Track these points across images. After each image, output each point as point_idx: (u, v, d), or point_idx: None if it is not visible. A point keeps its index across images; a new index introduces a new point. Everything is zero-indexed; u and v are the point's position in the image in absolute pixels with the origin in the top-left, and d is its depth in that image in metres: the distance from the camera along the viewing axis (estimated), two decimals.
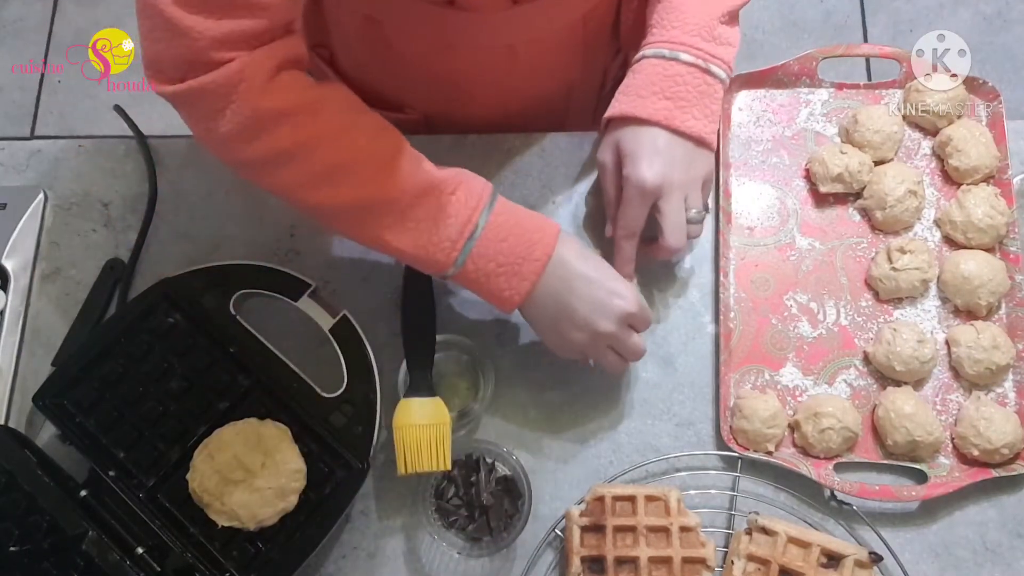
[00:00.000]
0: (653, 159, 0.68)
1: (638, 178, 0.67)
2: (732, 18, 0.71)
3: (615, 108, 0.70)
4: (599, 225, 0.79)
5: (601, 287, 0.65)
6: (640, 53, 0.71)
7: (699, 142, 0.69)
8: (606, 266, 0.67)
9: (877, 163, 0.79)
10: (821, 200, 0.79)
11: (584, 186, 0.81)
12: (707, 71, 0.69)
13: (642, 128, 0.68)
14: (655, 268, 0.78)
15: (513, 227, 0.64)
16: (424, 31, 0.72)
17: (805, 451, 0.71)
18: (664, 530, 0.67)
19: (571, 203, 0.80)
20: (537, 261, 0.64)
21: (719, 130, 0.75)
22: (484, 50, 0.74)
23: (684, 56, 0.68)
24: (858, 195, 0.78)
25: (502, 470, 0.69)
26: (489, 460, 0.69)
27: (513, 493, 0.68)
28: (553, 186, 0.81)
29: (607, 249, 0.77)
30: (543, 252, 0.64)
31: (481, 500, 0.67)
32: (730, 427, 0.72)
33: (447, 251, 0.63)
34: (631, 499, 0.68)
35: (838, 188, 0.77)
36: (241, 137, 0.59)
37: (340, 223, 0.65)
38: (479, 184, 0.65)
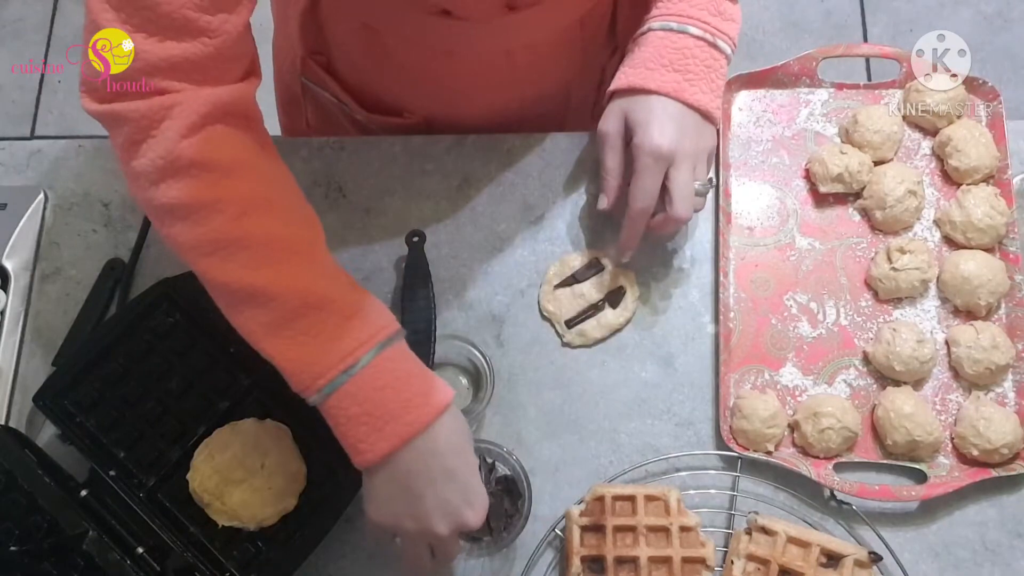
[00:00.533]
0: (665, 126, 0.67)
1: (652, 144, 0.67)
2: None
3: (621, 80, 0.70)
4: (599, 225, 0.79)
5: (459, 490, 0.58)
6: (646, 26, 0.70)
7: (706, 116, 0.69)
8: (474, 466, 0.60)
9: (877, 163, 0.79)
10: (821, 200, 0.79)
11: (584, 186, 0.81)
12: (714, 45, 0.69)
13: (651, 97, 0.68)
14: (655, 268, 0.78)
15: (397, 379, 0.57)
16: (421, 39, 0.72)
17: (805, 451, 0.71)
18: (664, 530, 0.67)
19: (571, 203, 0.80)
20: (408, 426, 0.56)
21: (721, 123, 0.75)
22: (482, 56, 0.74)
23: (693, 29, 0.68)
24: (858, 195, 0.78)
25: (502, 470, 0.69)
26: (489, 460, 0.69)
27: (513, 493, 0.68)
28: (553, 186, 0.81)
29: (607, 236, 0.77)
30: (417, 419, 0.57)
31: None
32: (730, 427, 0.72)
33: (316, 376, 0.56)
34: (631, 499, 0.68)
35: (838, 188, 0.77)
36: (149, 177, 0.55)
37: (220, 300, 0.58)
38: (383, 320, 0.58)
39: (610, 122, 0.70)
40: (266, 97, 1.01)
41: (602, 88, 0.88)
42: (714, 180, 0.75)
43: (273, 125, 1.00)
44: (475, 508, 0.59)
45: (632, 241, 0.71)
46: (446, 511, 0.58)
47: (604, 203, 0.71)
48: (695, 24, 0.69)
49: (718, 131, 0.75)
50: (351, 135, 0.86)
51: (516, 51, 0.74)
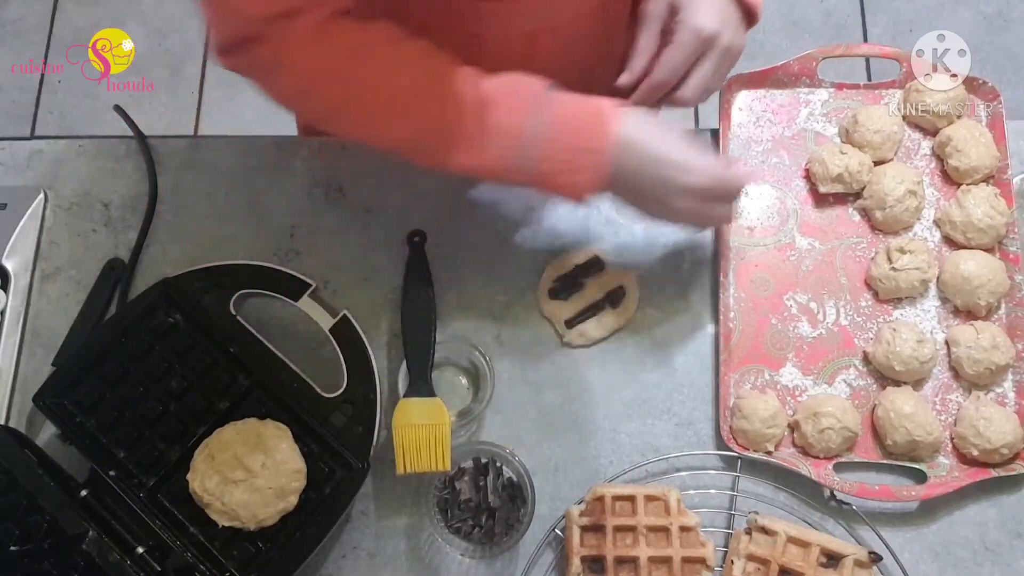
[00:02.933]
0: (712, 9, 0.67)
1: (697, 23, 0.66)
2: None
3: None
4: (599, 225, 0.79)
5: (669, 165, 0.64)
6: None
7: (749, 13, 0.69)
8: (678, 140, 0.66)
9: (877, 163, 0.79)
10: (821, 200, 0.79)
11: None
12: None
13: None
14: (655, 268, 0.78)
15: (567, 123, 0.64)
16: (448, 21, 0.72)
17: (805, 451, 0.71)
18: (664, 530, 0.67)
19: (570, 203, 0.80)
20: (596, 152, 0.63)
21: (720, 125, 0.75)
22: (507, 39, 0.74)
23: None
24: (858, 195, 0.78)
25: (507, 473, 0.69)
26: (498, 464, 0.69)
27: (517, 498, 0.68)
28: None
29: (607, 236, 0.77)
30: (600, 143, 0.63)
31: (488, 503, 0.67)
32: (730, 427, 0.72)
33: (509, 162, 0.64)
34: (631, 499, 0.68)
35: (838, 188, 0.77)
36: (298, 98, 0.65)
37: (413, 157, 0.67)
38: (531, 88, 0.64)
39: (656, 3, 0.69)
40: None
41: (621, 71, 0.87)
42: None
43: (289, 124, 1.01)
44: (691, 171, 0.64)
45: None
46: (670, 188, 0.65)
47: (627, 79, 0.70)
48: None
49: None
50: None
51: (540, 34, 0.74)
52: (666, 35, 0.68)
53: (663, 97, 0.70)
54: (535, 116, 0.63)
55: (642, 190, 0.66)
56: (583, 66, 0.82)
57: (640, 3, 0.70)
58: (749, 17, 0.69)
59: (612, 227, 0.79)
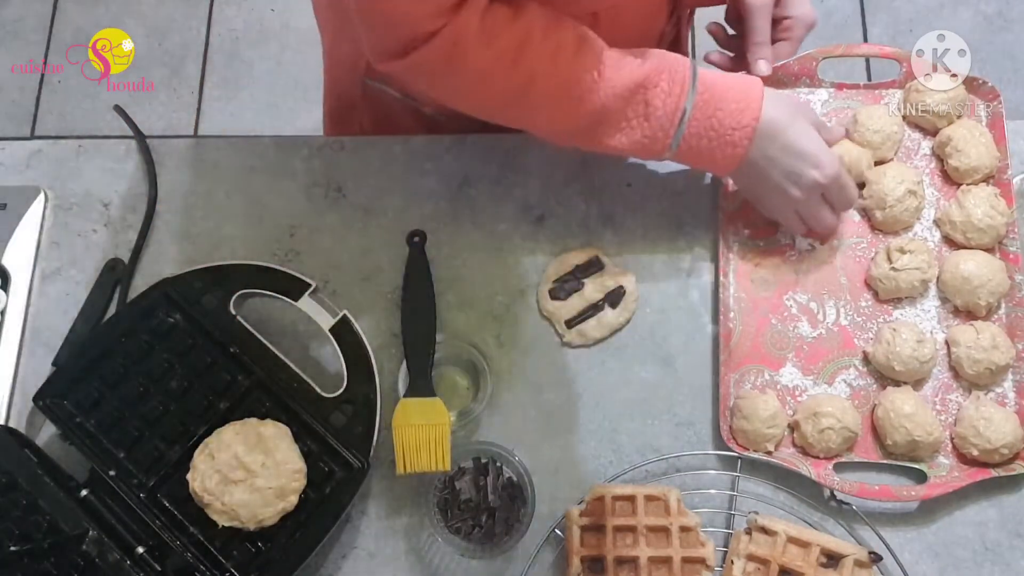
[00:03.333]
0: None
1: (810, 18, 0.76)
2: None
3: None
4: (599, 225, 0.79)
5: (800, 155, 0.69)
6: None
7: None
8: (812, 130, 0.70)
9: (877, 163, 0.79)
10: None
11: (584, 185, 0.81)
12: None
13: None
14: (655, 268, 0.78)
15: (719, 101, 0.67)
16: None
17: (805, 451, 0.71)
18: (664, 530, 0.67)
19: (571, 203, 0.80)
20: (746, 127, 0.68)
21: None
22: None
23: None
24: (859, 187, 0.78)
25: (507, 473, 0.69)
26: (498, 464, 0.69)
27: (517, 498, 0.68)
28: (553, 186, 0.81)
29: (607, 236, 0.77)
30: (751, 118, 0.67)
31: (488, 503, 0.67)
32: (730, 427, 0.72)
33: (661, 140, 0.68)
34: (631, 499, 0.68)
35: None
36: (468, 91, 0.67)
37: (572, 141, 0.71)
38: (680, 68, 0.67)
39: None
40: (314, 110, 1.02)
41: None
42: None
43: (289, 124, 1.00)
44: (818, 166, 0.69)
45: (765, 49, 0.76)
46: (793, 176, 0.70)
47: (766, 68, 0.75)
48: None
49: None
50: (414, 133, 0.86)
51: (602, 12, 0.73)
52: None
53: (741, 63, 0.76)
54: (689, 96, 0.67)
55: (769, 175, 0.70)
56: (633, 44, 0.82)
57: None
58: None
59: (612, 227, 0.79)
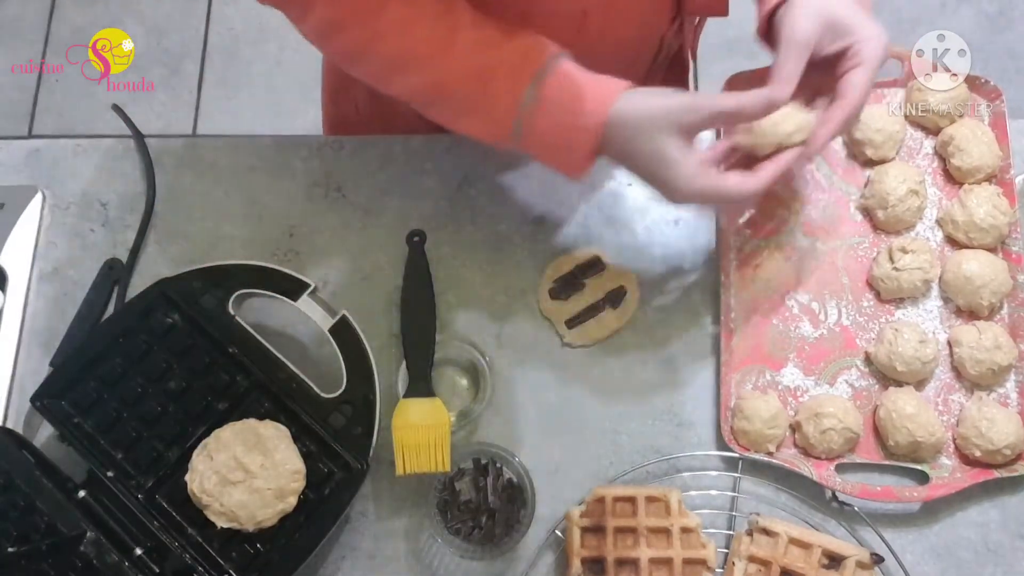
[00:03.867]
0: (873, 21, 0.63)
1: (886, 39, 0.62)
2: None
3: None
4: (599, 225, 0.79)
5: (659, 168, 0.61)
6: None
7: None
8: (673, 136, 0.60)
9: (878, 162, 0.78)
10: (822, 199, 0.79)
11: (584, 187, 0.80)
12: None
13: None
14: (656, 268, 0.77)
15: (562, 97, 0.62)
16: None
17: (806, 452, 0.71)
18: (665, 531, 0.67)
19: (571, 203, 0.80)
20: (585, 131, 0.61)
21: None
22: (556, 17, 0.72)
23: None
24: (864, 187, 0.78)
25: (507, 473, 0.69)
26: (498, 465, 0.69)
27: (517, 499, 0.68)
28: (553, 186, 0.80)
29: (606, 237, 0.77)
30: (592, 121, 0.61)
31: (488, 504, 0.67)
32: (731, 428, 0.71)
33: (502, 129, 0.63)
34: (631, 500, 0.68)
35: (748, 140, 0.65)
36: (321, 37, 0.66)
37: (426, 111, 0.68)
38: (532, 55, 0.63)
39: (807, 22, 0.62)
40: (313, 110, 1.01)
41: (657, 59, 0.86)
42: None
43: (289, 124, 1.00)
44: (679, 190, 0.60)
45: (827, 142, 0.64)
46: (662, 191, 0.62)
47: (772, 101, 0.61)
48: None
49: None
50: (405, 115, 0.85)
51: (590, 12, 0.72)
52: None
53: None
54: (532, 87, 0.61)
55: (639, 175, 0.63)
56: (628, 46, 0.81)
57: (775, 23, 0.64)
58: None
59: (612, 227, 0.79)
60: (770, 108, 0.61)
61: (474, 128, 0.65)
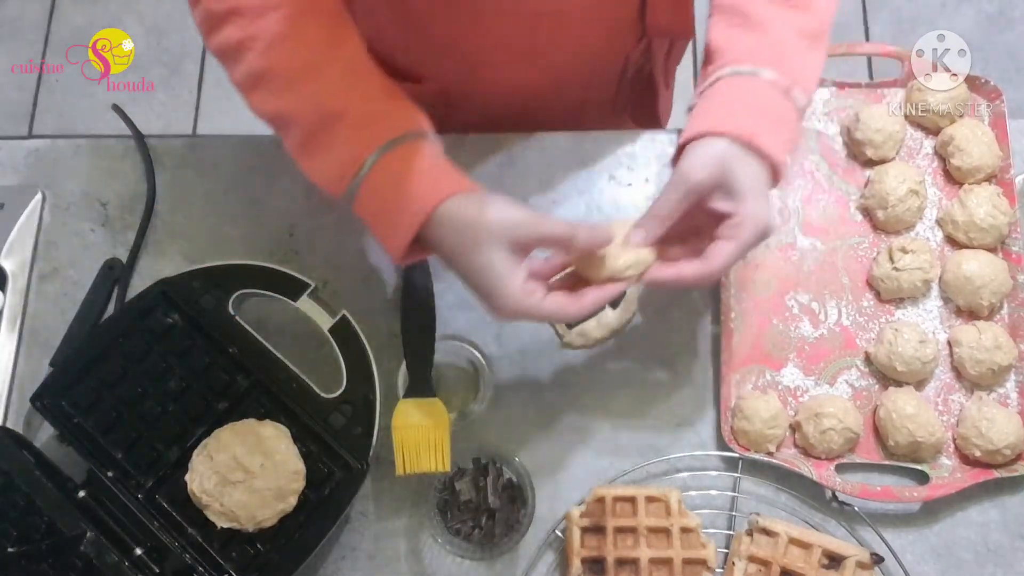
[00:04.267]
0: (765, 200, 0.58)
1: (757, 215, 0.57)
2: (816, 41, 0.63)
3: (693, 128, 0.60)
4: None
5: (479, 287, 0.58)
6: (714, 76, 0.62)
7: (773, 169, 0.60)
8: (491, 257, 0.56)
9: (879, 162, 0.79)
10: (822, 200, 0.78)
11: (583, 186, 0.80)
12: (787, 93, 0.61)
13: (751, 159, 0.58)
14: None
15: (403, 175, 0.58)
16: None
17: (806, 452, 0.71)
18: (665, 531, 0.67)
19: (571, 203, 0.80)
20: (413, 216, 0.57)
21: None
22: (507, 18, 0.73)
23: (766, 74, 0.60)
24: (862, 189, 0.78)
25: (507, 473, 0.69)
26: (497, 465, 0.69)
27: (517, 499, 0.68)
28: (553, 186, 0.80)
29: None
30: (420, 209, 0.57)
31: (488, 504, 0.67)
32: (731, 428, 0.71)
33: (337, 182, 0.60)
34: (631, 500, 0.68)
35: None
36: (203, 29, 0.64)
37: (278, 132, 0.63)
38: (394, 124, 0.60)
39: (702, 171, 0.58)
40: None
41: (624, 79, 0.86)
42: None
43: None
44: (495, 309, 0.57)
45: (658, 229, 0.60)
46: (482, 300, 0.58)
47: (640, 239, 0.60)
48: (768, 68, 0.61)
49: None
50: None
51: (542, 17, 0.72)
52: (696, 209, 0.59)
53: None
54: (376, 152, 0.58)
55: (463, 280, 0.59)
56: (583, 61, 0.82)
57: (680, 161, 0.60)
58: (773, 172, 0.60)
59: None
60: (601, 245, 0.59)
61: (313, 171, 0.61)
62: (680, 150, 0.61)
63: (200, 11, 0.63)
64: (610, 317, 0.75)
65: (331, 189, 0.61)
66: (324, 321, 0.69)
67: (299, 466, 0.67)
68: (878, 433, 0.72)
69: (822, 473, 0.70)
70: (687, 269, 0.60)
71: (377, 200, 0.59)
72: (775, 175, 0.60)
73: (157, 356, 0.70)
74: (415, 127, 0.61)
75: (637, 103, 0.91)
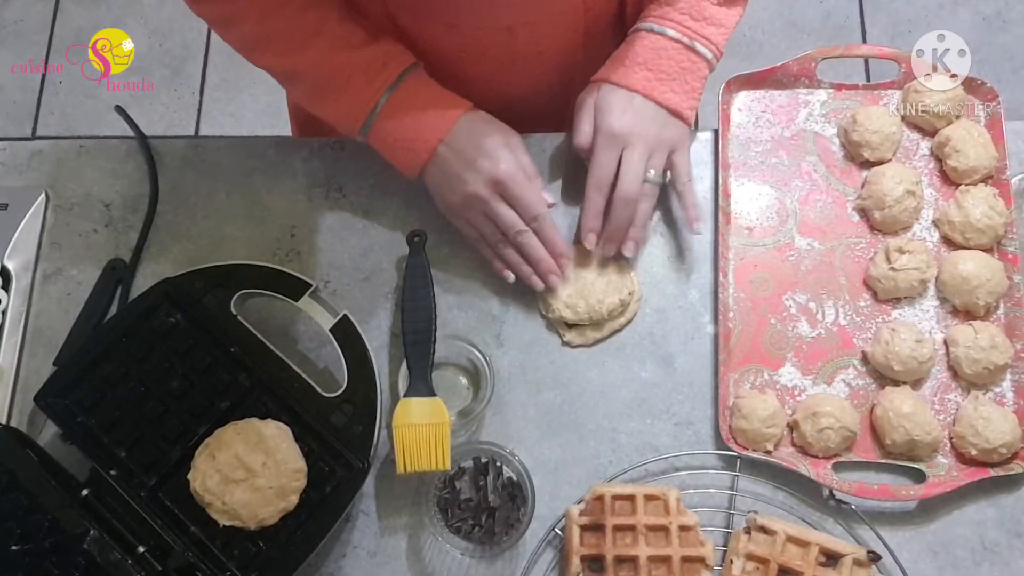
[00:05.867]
0: (624, 112, 0.72)
1: (607, 125, 0.72)
2: (728, 0, 0.74)
3: (600, 73, 0.75)
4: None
5: (480, 151, 0.70)
6: (635, 26, 0.75)
7: (674, 113, 0.73)
8: (490, 143, 0.71)
9: (876, 163, 0.79)
10: (819, 200, 0.79)
11: (582, 186, 0.81)
12: (691, 48, 0.73)
13: (619, 90, 0.73)
14: (654, 268, 0.78)
15: (415, 107, 0.71)
16: (426, 8, 0.73)
17: (804, 450, 0.72)
18: (663, 529, 0.67)
19: (570, 203, 0.80)
20: (427, 142, 0.71)
21: (707, 114, 0.77)
22: (484, 31, 0.74)
23: (670, 31, 0.73)
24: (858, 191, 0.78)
25: (507, 473, 0.69)
26: (497, 463, 0.69)
27: (517, 499, 0.68)
28: (553, 186, 0.81)
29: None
30: (434, 135, 0.70)
31: (488, 503, 0.67)
32: (729, 426, 0.72)
33: (353, 122, 0.72)
34: (630, 498, 0.68)
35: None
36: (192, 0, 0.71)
37: (285, 87, 0.78)
38: (394, 63, 0.71)
39: (583, 110, 0.75)
40: (277, 100, 1.02)
41: None
42: (668, 178, 0.76)
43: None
44: (495, 159, 0.70)
45: (593, 220, 0.73)
46: (471, 169, 0.70)
47: (590, 243, 0.74)
48: (673, 27, 0.73)
49: (695, 131, 0.80)
50: None
51: (517, 28, 0.74)
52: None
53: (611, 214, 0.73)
54: (385, 92, 0.70)
55: (450, 174, 0.71)
56: (563, 69, 0.83)
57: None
58: (675, 115, 0.73)
59: None
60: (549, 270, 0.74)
61: (327, 114, 0.73)
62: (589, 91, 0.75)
63: None
64: (610, 317, 0.76)
65: (344, 129, 0.73)
66: (325, 321, 0.70)
67: (301, 465, 0.67)
68: (875, 432, 0.72)
69: (819, 472, 0.70)
70: (591, 198, 0.73)
71: (393, 131, 0.71)
72: (680, 116, 0.73)
73: (160, 355, 0.70)
74: (408, 61, 0.72)
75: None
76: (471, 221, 0.73)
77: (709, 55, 0.74)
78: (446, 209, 0.74)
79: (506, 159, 0.71)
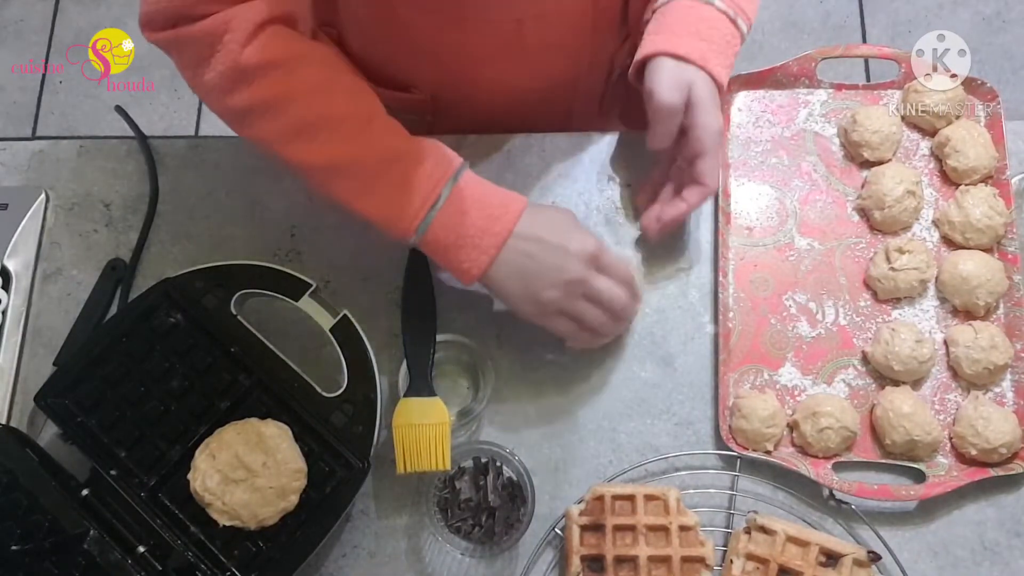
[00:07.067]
0: (718, 111, 0.69)
1: (719, 127, 0.69)
2: None
3: (650, 46, 0.70)
4: (599, 226, 0.79)
5: (558, 239, 0.66)
6: None
7: (720, 90, 0.70)
8: (564, 225, 0.67)
9: (876, 163, 0.79)
10: (819, 200, 0.79)
11: (582, 187, 0.81)
12: (734, 21, 0.71)
13: (702, 76, 0.69)
14: (654, 268, 0.78)
15: (476, 200, 0.65)
16: (434, 3, 0.72)
17: (804, 450, 0.72)
18: (663, 529, 0.67)
19: (571, 203, 0.80)
20: (497, 235, 0.65)
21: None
22: (492, 24, 0.74)
23: (716, 2, 0.70)
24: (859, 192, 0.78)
25: (507, 472, 0.69)
26: (497, 463, 0.69)
27: (517, 497, 0.68)
28: (553, 186, 0.81)
29: (607, 238, 0.77)
30: (503, 227, 0.65)
31: (488, 503, 0.67)
32: (729, 426, 0.72)
33: (410, 220, 0.64)
34: (630, 498, 0.68)
35: None
36: (223, 87, 0.64)
37: (313, 180, 0.66)
38: (448, 156, 0.66)
39: (672, 92, 0.68)
40: None
41: (610, 80, 0.87)
42: None
43: None
44: (579, 239, 0.66)
45: (679, 220, 0.72)
46: (562, 257, 0.65)
47: (653, 225, 0.73)
48: None
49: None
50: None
51: (526, 21, 0.73)
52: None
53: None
54: (448, 184, 0.64)
55: (530, 274, 0.66)
56: (570, 64, 0.82)
57: (652, 88, 0.69)
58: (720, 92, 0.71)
59: (612, 227, 0.79)
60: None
61: (375, 209, 0.65)
62: (641, 65, 0.70)
63: (215, 74, 0.63)
64: None
65: (396, 227, 0.65)
66: (325, 321, 0.70)
67: (301, 465, 0.67)
68: (875, 432, 0.72)
69: (819, 472, 0.70)
70: (692, 197, 0.71)
71: (457, 227, 0.65)
72: (720, 93, 0.70)
73: (160, 355, 0.70)
74: (461, 158, 0.67)
75: (624, 104, 0.91)
76: (570, 311, 0.67)
77: (745, 30, 0.72)
78: (536, 310, 0.67)
79: (586, 232, 0.67)
